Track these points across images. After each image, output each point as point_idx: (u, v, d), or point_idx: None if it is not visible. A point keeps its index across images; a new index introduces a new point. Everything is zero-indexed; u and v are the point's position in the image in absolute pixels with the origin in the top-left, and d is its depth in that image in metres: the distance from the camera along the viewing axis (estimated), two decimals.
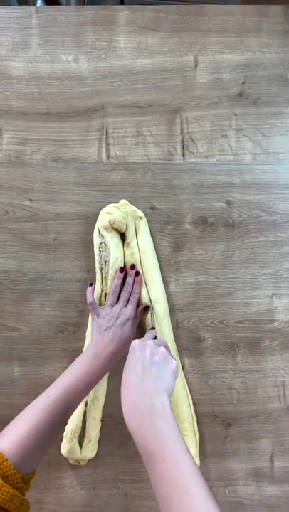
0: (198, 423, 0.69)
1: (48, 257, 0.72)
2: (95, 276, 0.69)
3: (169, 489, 0.40)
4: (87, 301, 0.66)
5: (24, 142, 0.74)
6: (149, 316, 0.67)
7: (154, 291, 0.68)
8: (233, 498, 0.69)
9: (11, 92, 0.74)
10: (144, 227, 0.70)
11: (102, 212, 0.69)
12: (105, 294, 0.67)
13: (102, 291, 0.68)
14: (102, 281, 0.68)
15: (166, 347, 0.58)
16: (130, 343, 0.62)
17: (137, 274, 0.67)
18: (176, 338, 0.69)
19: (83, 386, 0.57)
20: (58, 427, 0.54)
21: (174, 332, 0.69)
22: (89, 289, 0.67)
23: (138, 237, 0.69)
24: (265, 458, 0.70)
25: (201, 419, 0.70)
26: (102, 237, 0.68)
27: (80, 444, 0.65)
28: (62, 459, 0.67)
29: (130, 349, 0.55)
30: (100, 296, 0.68)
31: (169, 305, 0.70)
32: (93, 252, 0.69)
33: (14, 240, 0.72)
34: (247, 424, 0.70)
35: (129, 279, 0.67)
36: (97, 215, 0.70)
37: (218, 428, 0.70)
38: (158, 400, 0.47)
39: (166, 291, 0.70)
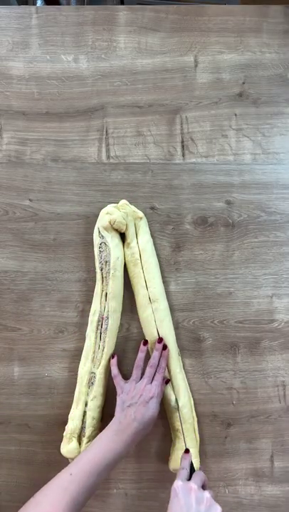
0: (198, 423, 0.69)
1: (48, 257, 0.72)
2: (95, 277, 0.69)
3: None
4: (112, 374, 0.66)
5: (24, 142, 0.74)
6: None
7: (154, 291, 0.68)
8: (233, 498, 0.69)
9: (11, 92, 0.74)
10: (144, 227, 0.70)
11: (102, 213, 0.69)
12: (106, 294, 0.67)
13: (102, 291, 0.68)
14: (102, 281, 0.68)
15: (206, 481, 0.56)
16: (153, 421, 0.61)
17: (164, 347, 0.66)
18: (176, 338, 0.69)
19: (106, 464, 0.55)
20: (81, 507, 0.53)
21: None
22: (112, 361, 0.66)
23: (138, 237, 0.69)
24: (265, 458, 0.70)
25: (201, 419, 0.70)
26: (102, 237, 0.68)
27: (80, 444, 0.65)
28: (62, 459, 0.67)
29: (173, 493, 0.53)
30: (100, 297, 0.68)
31: (169, 305, 0.70)
32: (93, 252, 0.69)
33: (14, 239, 0.72)
34: (247, 424, 0.70)
35: (156, 353, 0.65)
36: (97, 215, 0.70)
37: (218, 428, 0.70)
38: None
39: (166, 291, 0.70)
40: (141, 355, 0.66)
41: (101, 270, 0.68)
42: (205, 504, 0.51)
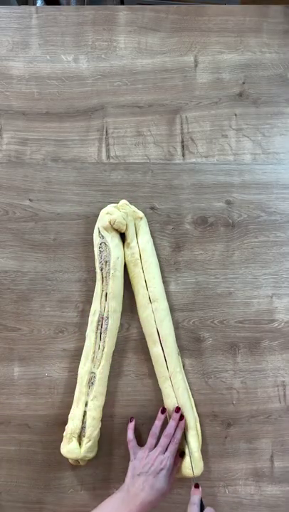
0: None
1: (48, 257, 0.72)
2: (95, 277, 0.69)
3: None
4: (127, 438, 0.65)
5: (24, 142, 0.74)
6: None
7: (154, 290, 0.68)
8: (233, 498, 0.69)
9: (11, 92, 0.74)
10: (144, 227, 0.70)
11: (102, 213, 0.69)
12: (106, 294, 0.67)
13: (102, 291, 0.68)
14: (102, 281, 0.68)
15: None
16: (163, 494, 0.60)
17: (181, 418, 0.64)
18: (176, 338, 0.69)
19: None
20: None
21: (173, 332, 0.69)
22: (129, 425, 0.66)
23: (138, 237, 0.69)
24: (265, 458, 0.70)
25: (201, 419, 0.70)
26: (102, 237, 0.68)
27: (80, 444, 0.66)
28: (62, 459, 0.67)
29: None
30: (100, 297, 0.68)
31: (169, 305, 0.70)
32: (93, 252, 0.69)
33: (14, 240, 0.72)
34: (247, 424, 0.70)
35: (172, 423, 0.63)
36: (97, 215, 0.70)
37: (218, 428, 0.70)
38: None
39: (166, 291, 0.70)
40: (158, 423, 0.65)
41: (101, 270, 0.68)
42: None
